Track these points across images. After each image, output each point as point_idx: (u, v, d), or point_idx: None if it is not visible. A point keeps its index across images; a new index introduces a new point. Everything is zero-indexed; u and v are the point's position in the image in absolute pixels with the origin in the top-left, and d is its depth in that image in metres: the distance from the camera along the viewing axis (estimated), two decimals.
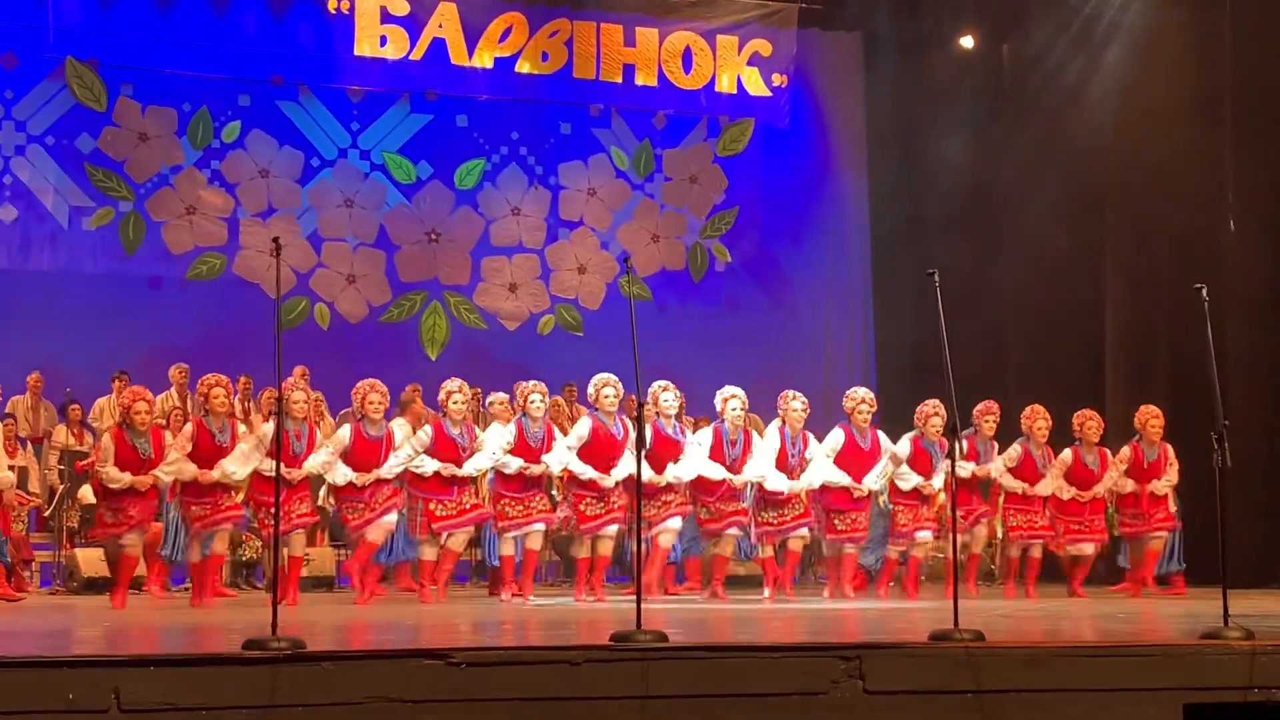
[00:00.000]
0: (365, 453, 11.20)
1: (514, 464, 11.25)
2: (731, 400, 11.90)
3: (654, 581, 11.72)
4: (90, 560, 13.00)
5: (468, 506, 11.36)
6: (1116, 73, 16.02)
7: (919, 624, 7.78)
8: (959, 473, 12.05)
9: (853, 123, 18.62)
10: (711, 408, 12.18)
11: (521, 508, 11.32)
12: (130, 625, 8.76)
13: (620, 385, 11.48)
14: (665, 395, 11.54)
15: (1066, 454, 12.64)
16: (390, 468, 11.21)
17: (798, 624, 8.82)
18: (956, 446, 7.69)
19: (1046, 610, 10.34)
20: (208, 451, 10.87)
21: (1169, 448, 12.68)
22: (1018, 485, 12.45)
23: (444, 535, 11.27)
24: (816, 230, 18.50)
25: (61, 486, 14.11)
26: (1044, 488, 12.52)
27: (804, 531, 12.06)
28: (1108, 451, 12.70)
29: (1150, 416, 12.66)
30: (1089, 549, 12.64)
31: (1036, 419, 12.61)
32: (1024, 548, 12.57)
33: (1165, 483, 12.65)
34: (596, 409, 11.53)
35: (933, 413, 12.12)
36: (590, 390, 11.67)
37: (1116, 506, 12.82)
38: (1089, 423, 12.65)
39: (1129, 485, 12.62)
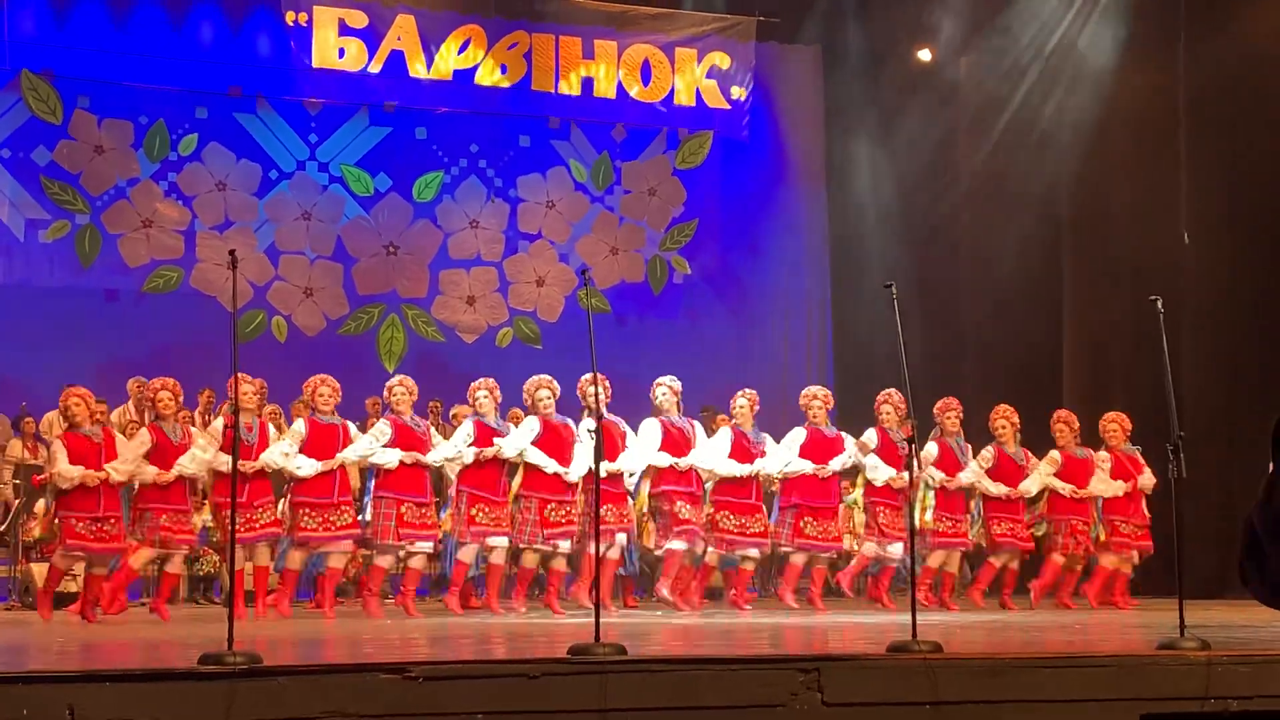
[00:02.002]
0: (323, 441, 11.14)
1: (469, 453, 11.24)
2: (659, 389, 11.93)
3: (606, 596, 11.71)
4: (45, 575, 12.88)
5: (430, 523, 11.34)
6: (1073, 87, 16.13)
7: (879, 636, 7.79)
8: (936, 482, 12.17)
9: (812, 135, 18.68)
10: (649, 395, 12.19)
11: (493, 516, 11.30)
12: (86, 640, 8.70)
13: (556, 386, 11.53)
14: (592, 389, 11.51)
15: (1055, 454, 12.64)
16: (354, 450, 11.14)
17: (757, 636, 8.83)
18: (915, 454, 7.72)
19: (1003, 621, 10.38)
20: (166, 452, 10.85)
21: (1137, 450, 12.73)
22: (1000, 490, 12.43)
23: (407, 548, 11.26)
24: (776, 242, 18.53)
25: (17, 501, 13.99)
26: (1030, 486, 12.50)
27: (755, 553, 12.05)
28: (1092, 452, 12.72)
29: (1109, 423, 12.74)
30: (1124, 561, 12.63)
31: (997, 419, 12.59)
32: (1006, 561, 12.56)
33: (1147, 480, 12.61)
34: (534, 411, 11.56)
35: (883, 401, 12.20)
36: (525, 396, 11.69)
37: (1104, 516, 12.64)
38: (1059, 424, 12.70)
39: (1121, 487, 12.59)
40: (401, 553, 11.39)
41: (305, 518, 11.10)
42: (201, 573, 13.72)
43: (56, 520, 10.82)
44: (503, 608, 11.42)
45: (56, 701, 5.26)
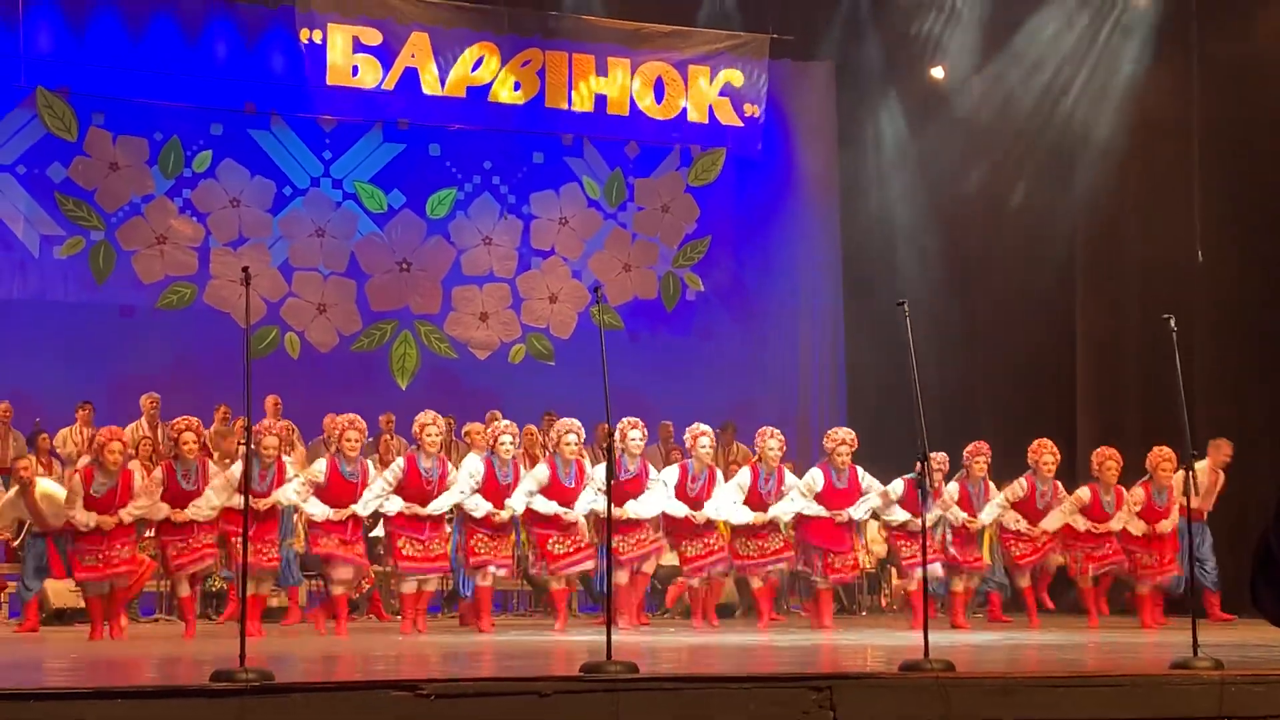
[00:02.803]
0: (340, 491, 11.20)
1: (481, 508, 11.31)
2: (701, 439, 12.01)
3: (636, 607, 11.75)
4: (59, 592, 12.93)
5: (434, 555, 11.35)
6: (1086, 106, 16.13)
7: (893, 655, 7.78)
8: (953, 520, 12.16)
9: (825, 153, 18.66)
10: (682, 438, 12.25)
11: (491, 545, 11.37)
12: (99, 657, 8.71)
13: (583, 432, 11.63)
14: (633, 434, 11.58)
15: (1084, 492, 12.56)
16: (365, 503, 11.22)
17: (770, 655, 8.81)
18: (926, 470, 7.71)
19: (1020, 640, 10.35)
20: (176, 495, 10.95)
21: (1174, 489, 12.54)
22: (1022, 526, 12.37)
23: (411, 581, 11.31)
24: (788, 260, 18.51)
25: (29, 519, 13.99)
26: (1050, 523, 12.42)
27: (781, 566, 12.14)
28: (1124, 490, 12.61)
29: (1162, 459, 12.48)
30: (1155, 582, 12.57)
31: (1044, 453, 12.44)
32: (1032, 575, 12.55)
33: (1170, 522, 12.50)
34: (557, 454, 11.64)
35: (976, 451, 12.28)
36: (553, 435, 11.78)
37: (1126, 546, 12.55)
38: (1108, 462, 12.49)
39: (1141, 527, 12.51)
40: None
41: (322, 540, 11.18)
42: (213, 589, 13.73)
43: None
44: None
45: (69, 718, 5.26)
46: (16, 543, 14.04)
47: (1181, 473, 12.50)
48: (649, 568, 11.91)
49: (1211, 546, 13.03)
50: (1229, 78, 14.86)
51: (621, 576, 11.69)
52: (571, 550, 11.47)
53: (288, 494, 11.18)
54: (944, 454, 12.29)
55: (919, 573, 12.11)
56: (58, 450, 14.95)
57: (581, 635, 10.58)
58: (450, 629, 12.13)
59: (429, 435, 11.35)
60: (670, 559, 12.61)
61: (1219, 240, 14.85)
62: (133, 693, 5.44)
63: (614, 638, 6.63)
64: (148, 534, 11.63)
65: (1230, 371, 14.65)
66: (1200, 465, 12.67)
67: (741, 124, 17.96)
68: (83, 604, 11.71)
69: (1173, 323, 7.74)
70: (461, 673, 6.96)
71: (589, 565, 11.64)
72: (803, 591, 13.34)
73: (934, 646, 6.76)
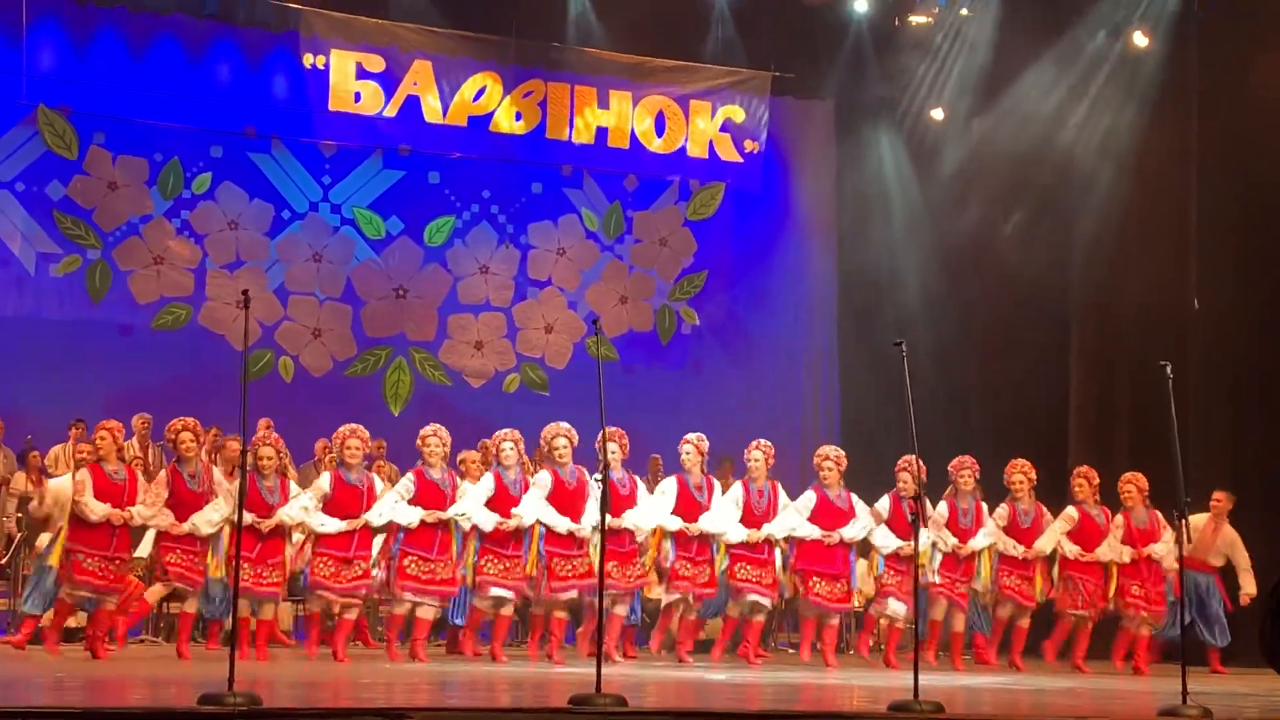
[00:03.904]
0: (346, 500, 11.15)
1: (489, 521, 11.27)
2: (685, 445, 11.99)
3: (611, 649, 11.70)
4: (53, 610, 12.85)
5: (439, 578, 11.28)
6: (1085, 148, 16.17)
7: (882, 695, 7.76)
8: (942, 545, 12.14)
9: (823, 190, 18.70)
10: (677, 468, 12.24)
11: (502, 566, 11.31)
12: (86, 677, 8.67)
13: (574, 435, 11.58)
14: (610, 445, 11.52)
15: (1071, 510, 12.57)
16: (378, 513, 11.17)
17: (759, 691, 8.79)
18: (922, 511, 7.72)
19: (1011, 682, 10.33)
20: (184, 498, 10.90)
21: (1158, 513, 12.57)
22: (1017, 550, 12.34)
23: (405, 602, 11.24)
24: (784, 296, 18.53)
25: (19, 534, 13.97)
26: (1045, 545, 12.41)
27: (766, 602, 12.10)
28: (1108, 511, 12.65)
29: (1127, 484, 12.56)
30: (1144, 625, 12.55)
31: (1014, 473, 12.52)
32: (1013, 615, 12.51)
33: (1165, 545, 12.46)
34: (551, 459, 11.61)
35: (903, 468, 12.18)
36: (542, 443, 11.75)
37: (1119, 579, 12.52)
38: (1079, 480, 12.59)
39: (1127, 553, 12.51)
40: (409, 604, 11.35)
41: (321, 565, 11.10)
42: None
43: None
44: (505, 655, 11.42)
45: None
46: (4, 560, 14.01)
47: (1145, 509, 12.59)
48: (621, 610, 11.83)
49: (1221, 603, 13.00)
50: (1227, 125, 14.93)
51: (621, 608, 11.68)
52: (570, 576, 11.44)
53: (294, 511, 11.11)
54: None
55: (890, 605, 12.13)
56: (48, 468, 14.92)
57: (571, 668, 10.55)
58: (437, 657, 12.08)
59: (430, 446, 11.35)
60: (658, 593, 12.54)
61: (1215, 287, 14.88)
62: (122, 714, 5.43)
63: (603, 671, 6.62)
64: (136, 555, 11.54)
65: (1223, 419, 14.67)
66: (1198, 517, 12.71)
67: (741, 160, 18.00)
68: (77, 623, 11.66)
69: (1169, 369, 7.75)
70: (450, 702, 6.94)
71: (582, 590, 11.55)
72: (790, 626, 13.32)
73: (925, 688, 6.75)
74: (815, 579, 11.99)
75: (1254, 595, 12.76)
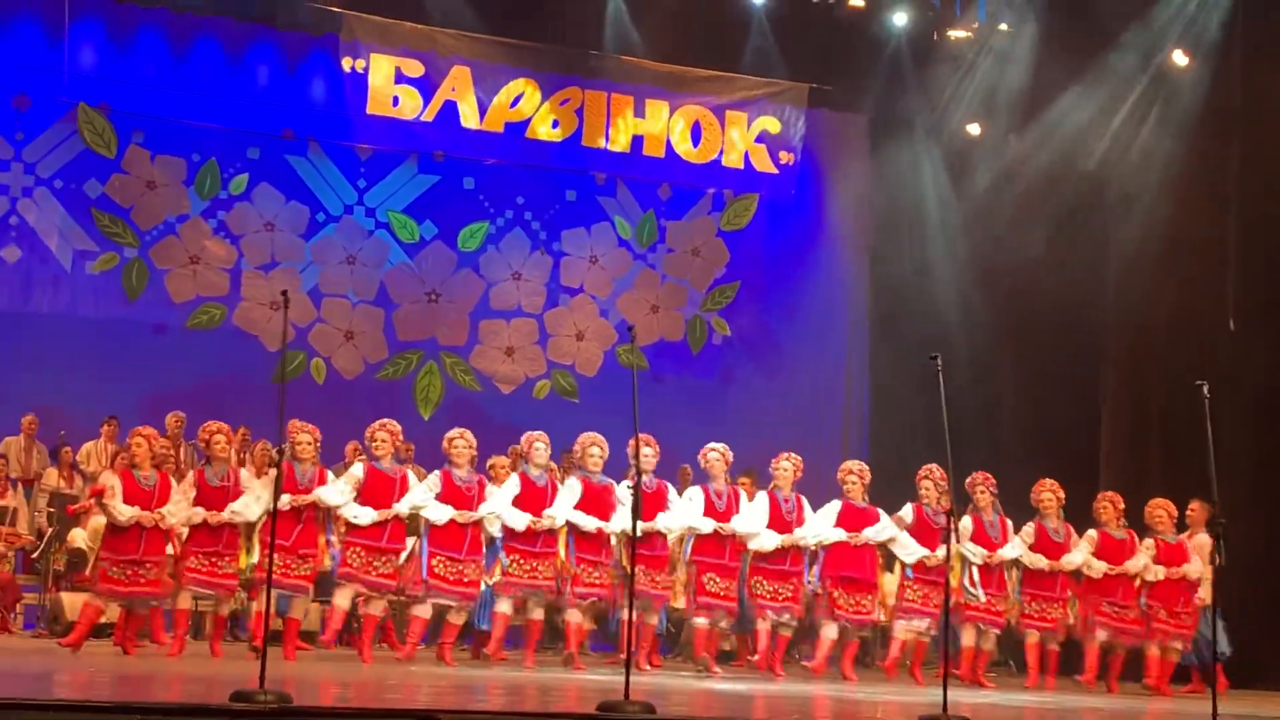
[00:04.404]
0: (380, 489, 11.17)
1: (521, 521, 11.27)
2: (710, 453, 11.98)
3: (641, 657, 11.71)
4: (75, 605, 12.92)
5: (466, 580, 11.30)
6: (1123, 170, 16.12)
7: (909, 710, 7.75)
8: (971, 558, 12.10)
9: (857, 203, 18.68)
10: (703, 478, 12.23)
11: (526, 567, 11.33)
12: (117, 672, 8.71)
13: (606, 445, 11.59)
14: (645, 450, 11.53)
15: (1092, 533, 12.56)
16: (406, 502, 11.19)
17: (785, 703, 8.79)
18: (954, 529, 7.70)
19: (1038, 701, 10.30)
20: (208, 498, 10.92)
21: (1185, 541, 12.55)
22: (1044, 564, 12.34)
23: (427, 605, 11.26)
24: (816, 309, 18.51)
25: (50, 529, 14.05)
26: (1070, 561, 12.39)
27: (790, 619, 12.07)
28: (1134, 533, 12.60)
29: (1156, 509, 12.57)
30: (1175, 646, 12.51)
31: (1043, 492, 12.51)
32: (1042, 639, 12.45)
33: (1195, 569, 12.44)
34: (583, 467, 11.62)
35: (924, 476, 12.15)
36: (576, 449, 11.76)
37: (1148, 599, 12.49)
38: (1105, 504, 12.57)
39: (1159, 572, 12.45)
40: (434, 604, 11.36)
41: (352, 555, 11.12)
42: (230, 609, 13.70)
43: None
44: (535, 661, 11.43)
45: None
46: (36, 555, 14.10)
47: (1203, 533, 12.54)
48: (650, 619, 11.84)
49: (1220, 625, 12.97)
50: (1266, 145, 14.86)
51: (652, 616, 11.69)
52: (594, 583, 11.45)
53: (330, 495, 11.11)
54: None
55: (915, 622, 12.09)
56: (80, 465, 15.01)
57: (596, 674, 10.55)
58: (462, 661, 12.10)
59: (456, 448, 11.38)
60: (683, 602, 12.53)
61: (1251, 310, 14.82)
62: (154, 709, 5.45)
63: (631, 678, 6.63)
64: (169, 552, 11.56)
65: (1257, 439, 14.59)
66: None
67: (776, 171, 17.99)
68: (108, 619, 11.68)
69: (1205, 389, 7.73)
70: (477, 705, 6.95)
71: (603, 599, 11.56)
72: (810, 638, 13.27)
73: (953, 705, 6.74)
74: (839, 591, 11.95)
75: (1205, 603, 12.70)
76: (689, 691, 9.20)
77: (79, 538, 13.35)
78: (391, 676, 9.34)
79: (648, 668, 11.75)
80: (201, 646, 11.30)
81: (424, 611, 11.35)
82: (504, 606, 11.48)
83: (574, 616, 11.55)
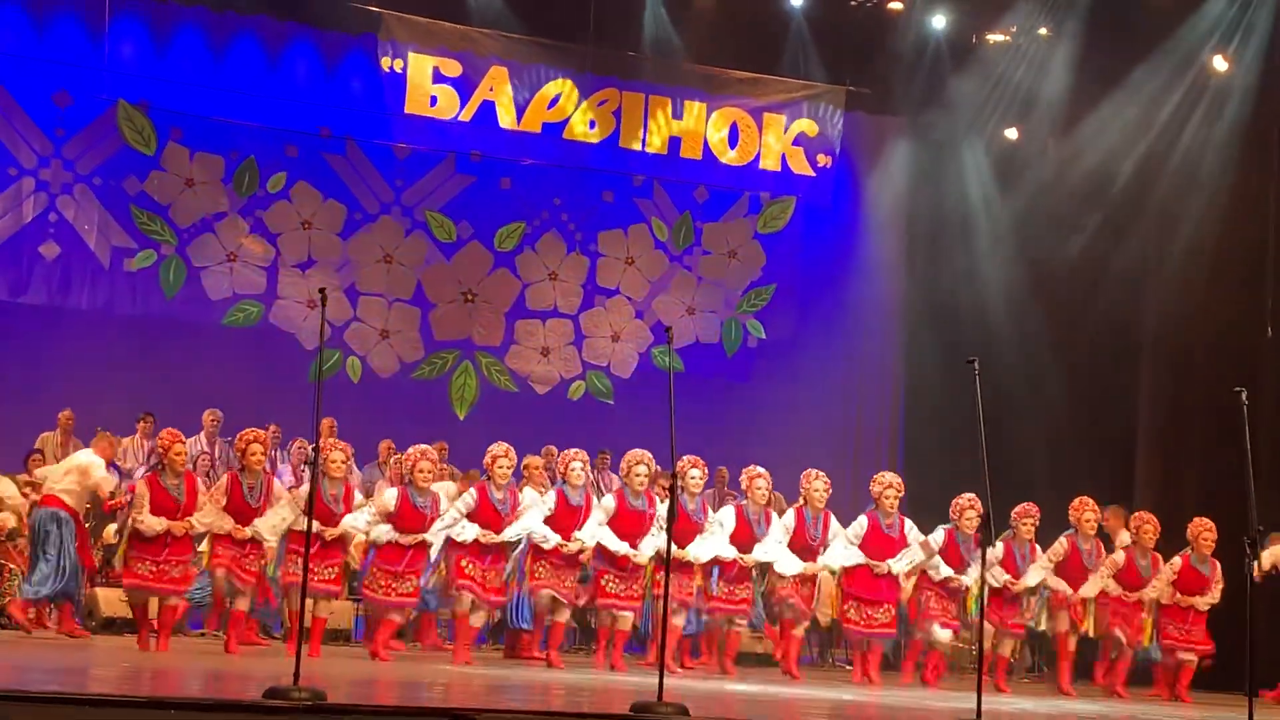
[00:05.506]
0: (411, 520, 11.21)
1: (551, 539, 11.29)
2: (758, 480, 11.96)
3: (671, 659, 11.71)
4: (110, 600, 13.02)
5: (490, 587, 11.32)
6: (1161, 174, 16.04)
7: (935, 715, 7.72)
8: (991, 581, 12.04)
9: (894, 207, 18.63)
10: (735, 482, 12.22)
11: (554, 571, 11.35)
12: (149, 667, 8.75)
13: (653, 463, 11.57)
14: (693, 472, 11.57)
15: (1119, 555, 12.49)
16: (435, 531, 11.22)
17: (815, 706, 8.77)
18: (988, 539, 7.66)
19: (1059, 707, 10.25)
20: (240, 508, 10.97)
21: (1218, 564, 12.44)
22: (1062, 587, 12.28)
23: (465, 599, 11.26)
24: (852, 312, 18.47)
25: (86, 525, 14.08)
26: (1089, 589, 12.34)
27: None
28: (1160, 557, 12.53)
29: (1203, 529, 12.40)
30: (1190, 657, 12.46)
31: (1085, 510, 12.43)
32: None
33: (1208, 600, 12.43)
34: (626, 484, 11.61)
35: (968, 506, 12.05)
36: (623, 465, 11.76)
37: (1157, 616, 12.48)
38: (1145, 526, 12.48)
39: (1174, 596, 12.40)
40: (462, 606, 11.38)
41: (373, 577, 11.19)
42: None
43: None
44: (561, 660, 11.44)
45: None
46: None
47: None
48: (678, 621, 11.85)
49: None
50: None
51: (679, 619, 11.69)
52: (621, 595, 11.46)
53: (357, 523, 11.20)
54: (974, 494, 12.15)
55: (935, 631, 12.05)
56: (117, 462, 15.05)
57: (629, 676, 10.55)
58: (494, 661, 12.11)
59: (500, 467, 11.39)
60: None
61: None
62: (188, 704, 5.47)
63: (665, 680, 6.62)
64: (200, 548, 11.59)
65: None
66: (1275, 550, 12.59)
67: (813, 173, 17.95)
68: (131, 614, 11.75)
69: (1244, 395, 7.68)
70: (512, 705, 6.95)
71: (629, 616, 11.58)
72: (848, 644, 13.27)
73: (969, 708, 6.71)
74: (851, 604, 11.92)
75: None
76: (723, 693, 9.18)
77: (112, 533, 13.40)
78: (423, 676, 9.35)
79: (678, 669, 11.74)
80: (221, 642, 11.32)
81: (464, 605, 11.36)
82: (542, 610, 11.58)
83: (606, 620, 11.58)
